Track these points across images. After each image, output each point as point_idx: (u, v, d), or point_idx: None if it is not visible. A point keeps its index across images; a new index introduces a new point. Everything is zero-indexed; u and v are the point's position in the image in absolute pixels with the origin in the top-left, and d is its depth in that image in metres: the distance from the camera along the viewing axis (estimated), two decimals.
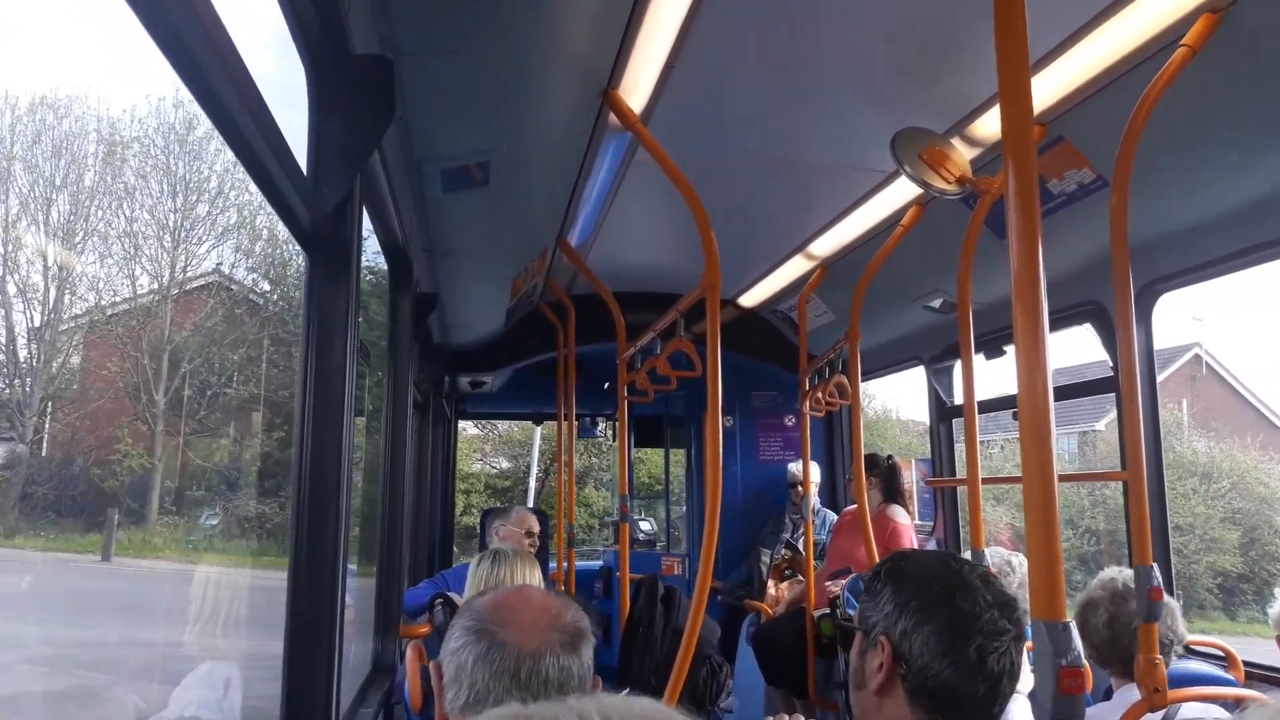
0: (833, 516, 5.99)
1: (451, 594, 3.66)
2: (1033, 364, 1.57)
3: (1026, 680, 2.92)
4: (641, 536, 8.94)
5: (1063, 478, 1.64)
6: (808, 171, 3.73)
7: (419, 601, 3.75)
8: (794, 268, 4.94)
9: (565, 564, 5.46)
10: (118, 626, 8.66)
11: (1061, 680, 1.50)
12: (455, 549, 7.82)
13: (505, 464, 20.88)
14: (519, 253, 3.83)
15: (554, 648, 1.36)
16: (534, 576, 3.00)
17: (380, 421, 3.38)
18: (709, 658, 4.06)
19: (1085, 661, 1.58)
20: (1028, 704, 2.92)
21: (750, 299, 5.74)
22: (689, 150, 3.12)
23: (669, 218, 4.28)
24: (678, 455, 8.48)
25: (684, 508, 8.53)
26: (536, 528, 4.42)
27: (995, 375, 4.52)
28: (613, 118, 2.80)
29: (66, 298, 15.27)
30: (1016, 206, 1.60)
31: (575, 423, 6.11)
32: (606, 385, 4.64)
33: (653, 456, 14.07)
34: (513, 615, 1.40)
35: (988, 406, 4.36)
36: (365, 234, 2.30)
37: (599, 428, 8.72)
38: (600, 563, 7.91)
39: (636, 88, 2.72)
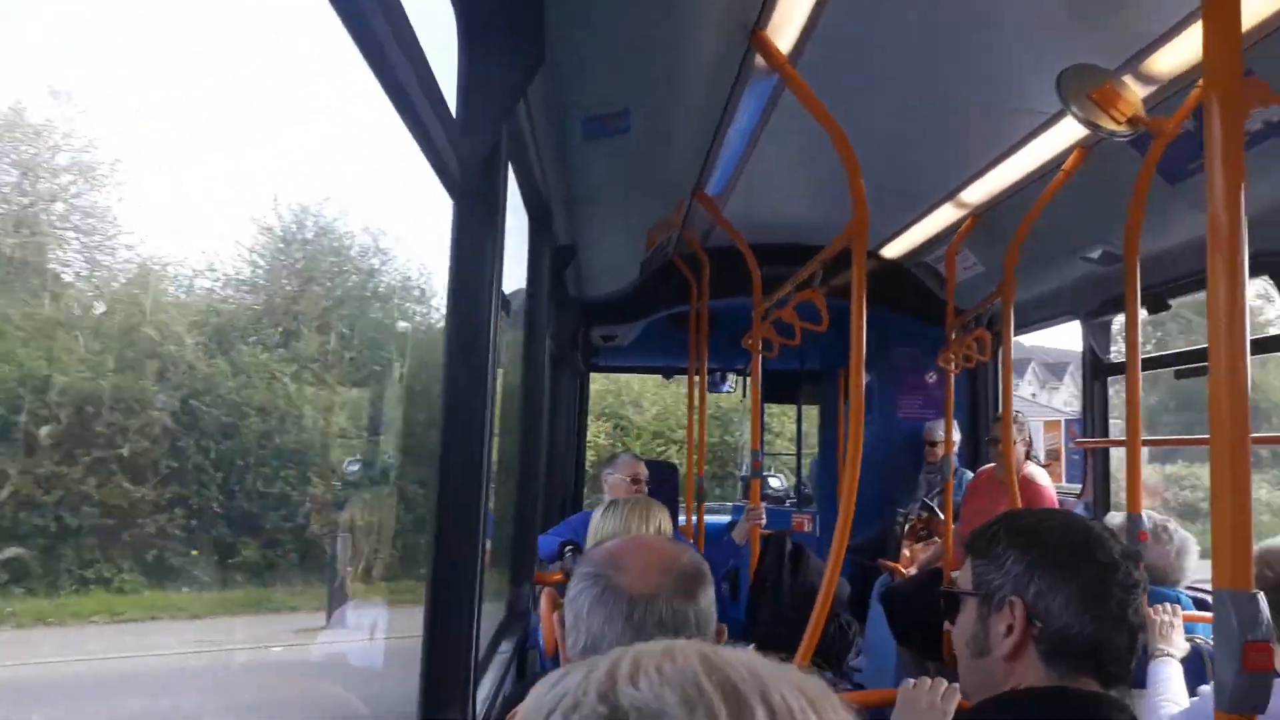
0: (970, 476, 5.80)
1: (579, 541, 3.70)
2: (1230, 315, 1.44)
3: (1180, 645, 2.76)
4: (771, 492, 8.87)
5: (1257, 439, 1.52)
6: (963, 114, 3.53)
7: (550, 549, 3.80)
8: (942, 217, 4.72)
9: (694, 518, 5.44)
10: None
11: (1247, 656, 1.40)
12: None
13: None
14: (656, 204, 3.78)
15: (667, 591, 1.36)
16: (655, 523, 2.98)
17: (518, 372, 3.41)
18: (838, 616, 3.98)
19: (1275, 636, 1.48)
20: (1179, 668, 2.77)
21: (894, 250, 5.54)
22: (837, 93, 2.97)
23: (810, 166, 4.13)
24: (810, 411, 8.35)
25: (814, 465, 8.40)
26: (644, 473, 4.37)
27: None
28: (759, 60, 2.69)
29: None
30: (1219, 142, 1.45)
31: (707, 377, 6.06)
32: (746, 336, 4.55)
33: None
34: (626, 560, 1.40)
35: (1150, 364, 4.13)
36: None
37: (728, 383, 8.65)
38: (730, 518, 7.89)
39: (785, 27, 2.61)
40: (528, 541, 3.43)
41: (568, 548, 3.69)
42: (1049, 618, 1.38)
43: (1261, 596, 1.43)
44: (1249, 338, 1.45)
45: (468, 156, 1.53)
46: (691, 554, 1.47)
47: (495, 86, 1.54)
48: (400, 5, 1.05)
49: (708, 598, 1.41)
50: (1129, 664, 1.40)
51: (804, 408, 8.58)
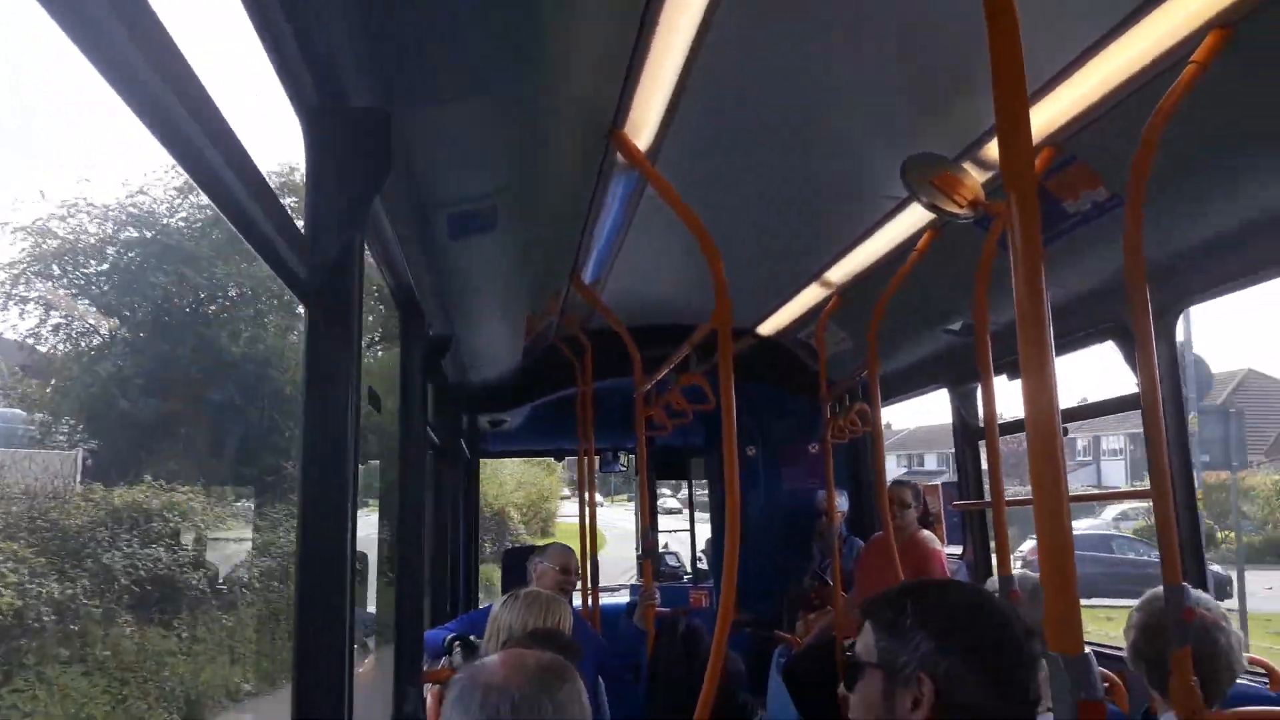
0: (860, 544, 5.91)
1: (472, 637, 3.62)
2: (1039, 386, 1.54)
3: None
4: (667, 569, 8.86)
5: (1077, 498, 1.61)
6: (820, 200, 3.71)
7: (436, 643, 3.71)
8: (810, 295, 4.91)
9: (589, 601, 5.40)
10: None
11: (1082, 714, 1.46)
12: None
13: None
14: (532, 292, 3.83)
15: (519, 682, 1.41)
16: (554, 618, 2.97)
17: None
18: (734, 695, 3.98)
19: (1106, 689, 1.55)
20: None
21: (768, 327, 5.71)
22: (699, 183, 3.11)
23: (683, 250, 4.25)
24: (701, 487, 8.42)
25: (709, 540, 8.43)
26: (575, 564, 4.35)
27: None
28: (620, 156, 2.79)
29: None
30: (1020, 236, 1.58)
31: (597, 458, 6.09)
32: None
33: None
34: (490, 661, 1.49)
35: (1010, 428, 4.31)
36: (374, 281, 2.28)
37: (619, 462, 8.68)
38: (630, 598, 7.84)
39: (643, 125, 2.72)
40: (412, 640, 3.35)
41: (456, 643, 3.61)
42: (957, 697, 1.40)
43: (1091, 656, 1.50)
44: (1058, 406, 1.55)
45: (317, 265, 1.54)
46: (556, 656, 1.53)
47: (344, 198, 1.57)
48: (229, 128, 1.08)
49: (568, 695, 1.44)
50: None
51: (694, 484, 8.66)
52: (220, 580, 12.65)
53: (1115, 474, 34.52)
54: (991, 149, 3.10)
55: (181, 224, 16.34)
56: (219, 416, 15.10)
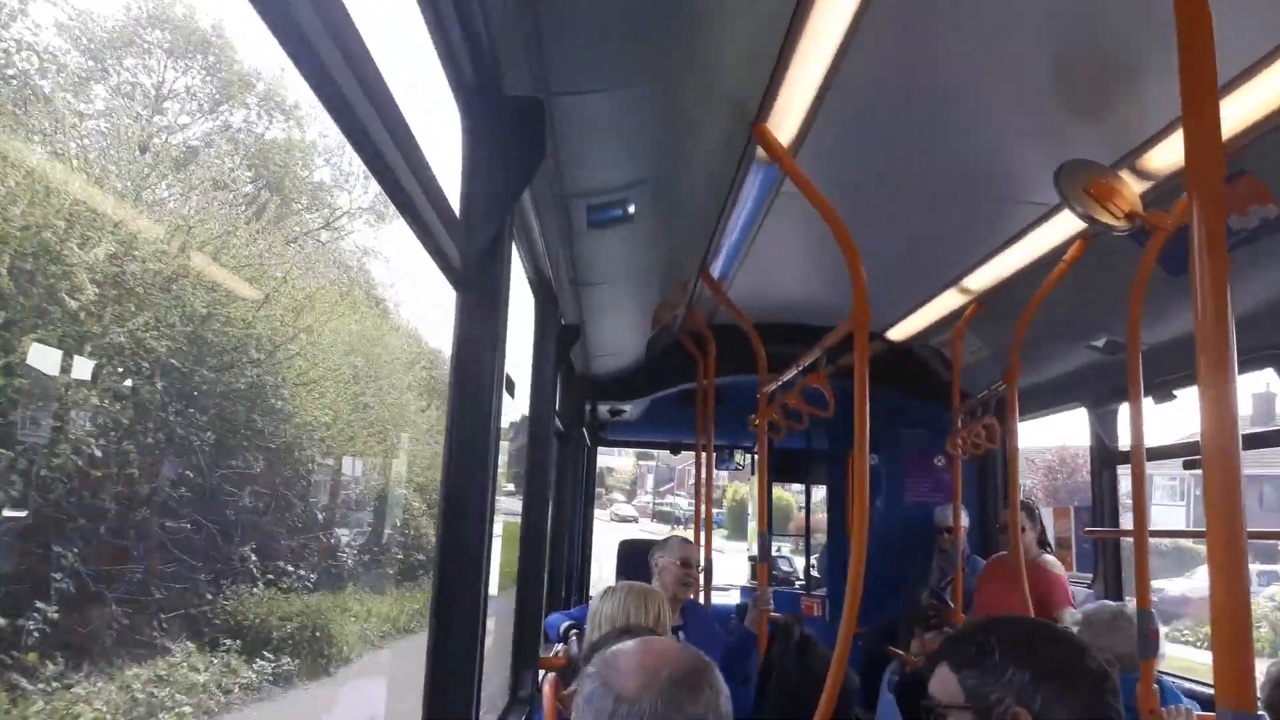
0: (983, 563, 5.72)
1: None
2: (1219, 408, 1.43)
3: None
4: (779, 574, 8.76)
5: (1254, 535, 1.49)
6: (964, 204, 3.58)
7: (557, 628, 3.75)
8: (947, 302, 4.75)
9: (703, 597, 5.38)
10: None
11: None
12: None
13: None
14: (661, 284, 3.83)
15: (652, 696, 1.36)
16: (654, 610, 2.96)
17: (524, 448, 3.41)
18: (848, 710, 3.89)
19: None
20: None
21: (899, 333, 5.57)
22: (838, 182, 3.04)
23: (815, 249, 4.19)
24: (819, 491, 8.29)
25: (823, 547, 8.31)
26: (695, 557, 4.32)
27: (1159, 420, 4.23)
28: (760, 150, 2.76)
29: None
30: (1204, 243, 1.48)
31: (715, 454, 6.06)
32: (753, 417, 4.56)
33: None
34: (622, 660, 1.43)
35: (1155, 454, 4.10)
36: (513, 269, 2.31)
37: (733, 460, 8.62)
38: (740, 599, 7.78)
39: (785, 120, 2.67)
40: (531, 624, 3.40)
41: (572, 630, 3.65)
42: None
43: (1265, 717, 1.39)
44: (1239, 436, 1.44)
45: (470, 251, 1.57)
46: (694, 658, 1.45)
47: (497, 184, 1.59)
48: (400, 113, 1.10)
49: (704, 703, 1.39)
50: None
51: (812, 488, 8.54)
52: None
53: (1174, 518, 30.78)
54: (1151, 158, 2.94)
55: None
56: None
